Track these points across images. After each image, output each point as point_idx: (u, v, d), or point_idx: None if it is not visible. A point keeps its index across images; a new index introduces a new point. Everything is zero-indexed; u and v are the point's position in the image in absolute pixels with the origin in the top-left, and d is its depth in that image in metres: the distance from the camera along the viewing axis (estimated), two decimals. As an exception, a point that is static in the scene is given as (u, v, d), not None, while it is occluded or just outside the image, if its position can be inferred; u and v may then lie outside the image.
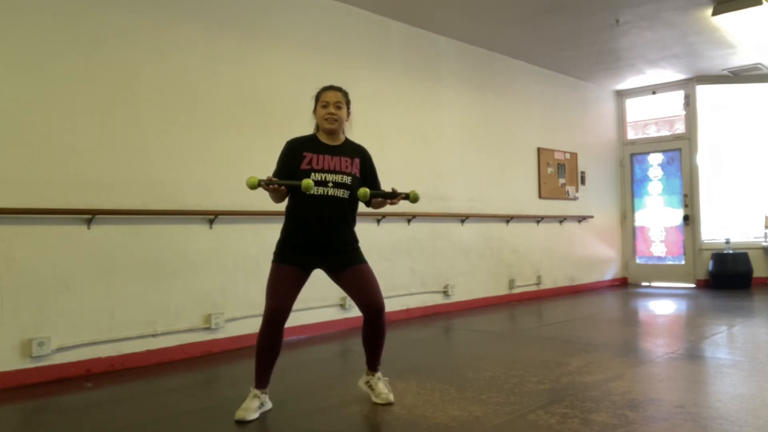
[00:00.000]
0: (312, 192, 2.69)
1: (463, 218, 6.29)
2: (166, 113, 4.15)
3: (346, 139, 2.98)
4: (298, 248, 2.80)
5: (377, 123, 5.54)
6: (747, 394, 2.95)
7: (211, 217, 4.33)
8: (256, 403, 2.75)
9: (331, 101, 2.85)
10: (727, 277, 7.70)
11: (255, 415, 2.72)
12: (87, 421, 2.79)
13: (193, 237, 4.25)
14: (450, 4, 5.44)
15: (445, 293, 6.09)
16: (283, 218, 4.77)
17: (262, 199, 4.61)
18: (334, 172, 2.81)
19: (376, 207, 2.98)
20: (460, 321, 5.53)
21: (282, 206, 4.68)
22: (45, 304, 3.56)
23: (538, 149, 7.43)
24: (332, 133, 2.89)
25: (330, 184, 2.78)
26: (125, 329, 3.87)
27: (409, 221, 5.74)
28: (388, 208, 5.61)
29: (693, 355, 3.89)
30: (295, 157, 2.84)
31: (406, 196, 2.81)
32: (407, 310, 5.69)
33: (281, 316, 2.74)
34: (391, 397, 2.88)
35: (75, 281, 3.68)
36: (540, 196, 7.41)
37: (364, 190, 2.74)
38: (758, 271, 7.91)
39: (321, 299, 4.90)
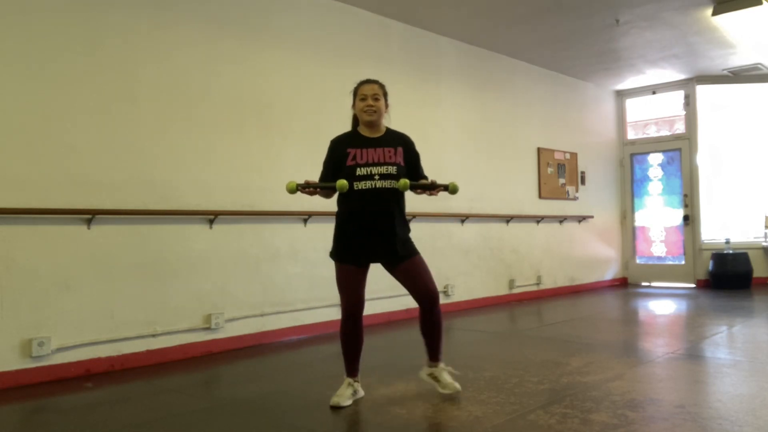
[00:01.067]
0: (355, 187, 2.78)
1: (463, 218, 6.29)
2: (166, 113, 4.15)
3: (387, 129, 3.01)
4: (352, 246, 2.87)
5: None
6: (747, 394, 2.95)
7: (211, 217, 4.33)
8: (350, 390, 2.90)
9: (369, 94, 2.89)
10: (727, 277, 7.70)
11: (349, 402, 2.86)
12: (87, 421, 2.79)
13: (193, 237, 4.25)
14: (450, 4, 5.44)
15: (445, 293, 6.08)
16: (281, 217, 4.79)
17: (263, 199, 4.63)
18: (379, 164, 2.84)
19: (417, 194, 3.02)
20: (460, 321, 5.53)
21: (278, 206, 4.71)
22: (45, 304, 3.56)
23: (538, 149, 7.43)
24: (372, 125, 2.92)
25: (377, 177, 2.82)
26: (125, 329, 3.87)
27: (409, 221, 5.73)
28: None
29: (693, 355, 3.89)
30: (340, 154, 2.89)
31: (446, 188, 2.83)
32: (407, 310, 5.68)
33: (357, 308, 2.89)
34: (458, 386, 2.96)
35: (75, 281, 3.68)
36: (540, 196, 7.41)
37: (404, 182, 2.77)
38: (758, 271, 7.91)
39: (321, 299, 4.90)
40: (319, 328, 4.91)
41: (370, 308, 5.15)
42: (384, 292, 5.38)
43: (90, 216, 3.74)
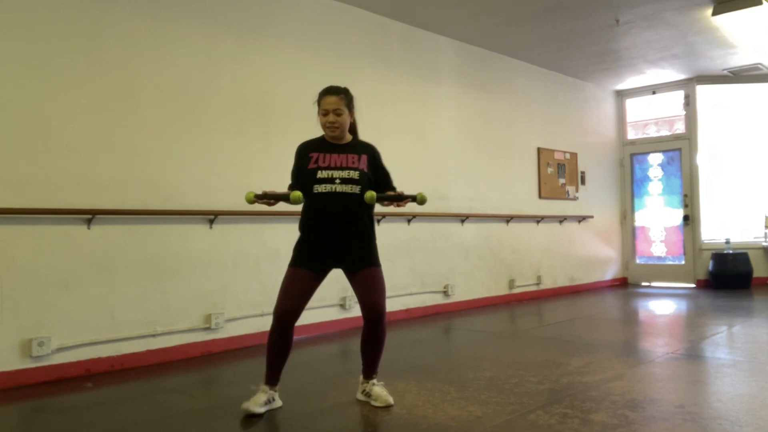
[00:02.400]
0: (315, 190, 2.74)
1: (463, 218, 6.29)
2: (166, 113, 4.16)
3: (354, 138, 2.99)
4: (313, 251, 2.83)
5: (377, 123, 5.53)
6: (747, 394, 2.95)
7: (211, 217, 4.33)
8: (263, 397, 2.79)
9: (330, 109, 2.83)
10: (727, 277, 7.70)
11: (260, 410, 2.76)
12: (87, 421, 2.79)
13: (193, 237, 4.25)
14: (450, 4, 5.44)
15: (445, 293, 6.09)
16: (281, 217, 4.79)
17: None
18: (341, 168, 2.81)
19: (385, 206, 2.96)
20: (460, 321, 5.53)
21: (279, 206, 4.71)
22: (45, 304, 3.56)
23: (538, 149, 7.43)
24: (335, 140, 2.90)
25: (337, 181, 2.79)
26: (125, 329, 3.87)
27: (409, 221, 5.74)
28: (387, 208, 5.61)
29: (693, 355, 3.89)
30: (303, 159, 2.87)
31: (414, 198, 2.77)
32: (407, 310, 5.69)
33: (290, 316, 2.79)
34: (391, 399, 2.87)
35: (75, 281, 3.68)
36: (540, 196, 7.41)
37: (370, 194, 2.73)
38: (758, 271, 7.91)
39: (321, 299, 4.90)
40: (319, 328, 4.91)
41: (370, 308, 5.18)
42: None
43: (90, 216, 3.74)
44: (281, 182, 4.72)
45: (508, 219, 6.85)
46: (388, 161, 5.98)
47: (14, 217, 3.47)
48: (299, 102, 4.91)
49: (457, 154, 6.33)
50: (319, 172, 2.79)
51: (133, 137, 3.99)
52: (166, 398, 3.20)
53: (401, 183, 5.94)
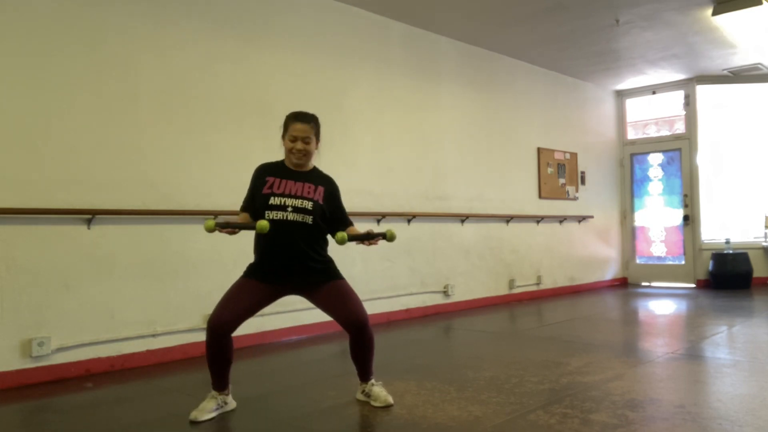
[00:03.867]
0: (267, 216, 2.70)
1: (463, 218, 6.29)
2: (166, 113, 4.15)
3: (314, 168, 2.94)
4: (267, 269, 2.80)
5: (377, 123, 5.53)
6: (747, 394, 2.95)
7: (211, 217, 4.32)
8: (212, 404, 2.76)
9: (300, 136, 2.79)
10: (727, 277, 7.70)
11: (209, 416, 2.72)
12: (87, 421, 2.79)
13: (193, 237, 4.25)
14: (450, 4, 5.44)
15: (445, 293, 6.09)
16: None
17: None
18: (295, 196, 2.77)
19: (357, 244, 2.86)
20: (460, 321, 5.53)
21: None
22: (45, 304, 3.56)
23: (538, 149, 7.43)
24: (299, 167, 2.87)
25: (289, 209, 2.75)
26: (125, 329, 3.87)
27: (409, 221, 5.74)
28: (387, 208, 5.61)
29: (693, 355, 3.89)
30: (259, 181, 2.83)
31: (384, 236, 2.72)
32: (407, 310, 5.69)
33: (223, 328, 2.70)
34: (390, 399, 2.87)
35: (75, 281, 3.68)
36: (540, 196, 7.41)
37: (341, 235, 2.68)
38: (758, 271, 7.91)
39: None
40: (319, 328, 4.91)
41: (369, 308, 5.16)
42: (384, 292, 5.39)
43: (90, 216, 3.74)
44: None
45: (508, 219, 6.85)
46: (389, 161, 6.01)
47: (14, 217, 3.47)
48: (299, 102, 4.91)
49: (457, 154, 6.33)
50: (272, 198, 2.76)
51: (133, 137, 3.99)
52: (166, 398, 3.20)
53: (401, 182, 5.95)
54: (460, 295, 6.25)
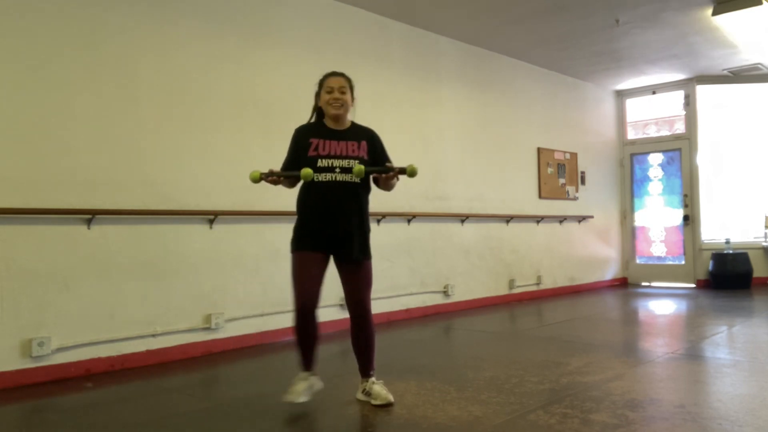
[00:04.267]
0: (315, 179, 2.71)
1: (463, 218, 6.29)
2: (165, 113, 4.15)
3: (353, 123, 2.97)
4: (314, 234, 2.79)
5: (377, 123, 5.48)
6: (747, 394, 2.95)
7: (211, 217, 4.32)
8: (303, 385, 2.83)
9: (336, 86, 2.84)
10: (727, 277, 7.70)
11: (304, 398, 2.80)
12: (87, 421, 2.79)
13: (193, 237, 4.25)
14: (450, 4, 5.44)
15: (445, 293, 6.08)
16: (281, 217, 4.79)
17: (262, 199, 4.63)
18: (341, 157, 2.79)
19: (385, 186, 2.89)
20: (460, 321, 5.53)
21: (278, 206, 4.72)
22: (45, 304, 3.56)
23: (538, 149, 7.43)
24: (338, 118, 2.87)
25: (337, 170, 2.77)
26: (125, 329, 3.86)
27: (409, 221, 5.74)
28: (387, 208, 5.60)
29: (693, 355, 3.89)
30: (302, 144, 2.84)
31: (403, 171, 2.69)
32: (407, 310, 5.69)
33: (311, 303, 2.78)
34: (391, 397, 2.86)
35: (75, 281, 3.68)
36: (540, 196, 7.41)
37: (358, 168, 2.67)
38: (758, 271, 7.91)
39: (321, 299, 4.89)
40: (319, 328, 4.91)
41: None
42: (384, 292, 5.38)
43: (90, 216, 3.74)
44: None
45: (508, 219, 6.85)
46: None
47: (14, 217, 3.47)
48: (299, 102, 4.90)
49: (457, 154, 6.33)
50: (320, 160, 2.77)
51: (133, 137, 3.99)
52: (166, 398, 3.20)
53: (401, 182, 5.93)
54: (460, 295, 6.25)
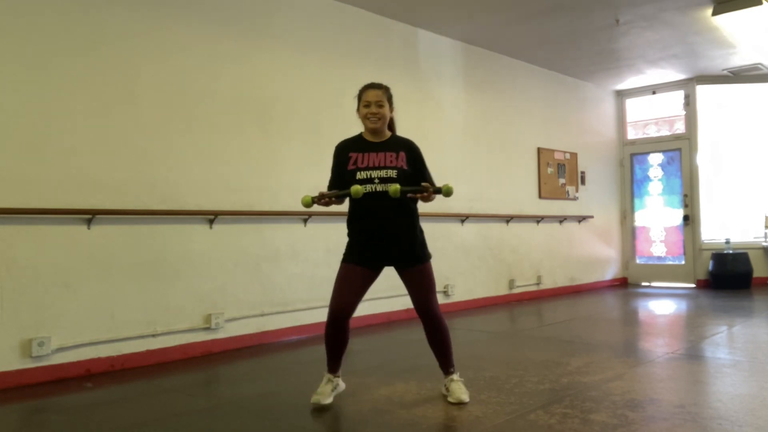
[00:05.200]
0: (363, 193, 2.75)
1: (463, 218, 6.29)
2: (166, 113, 4.15)
3: (392, 135, 2.99)
4: (362, 248, 2.87)
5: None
6: (747, 394, 2.95)
7: (211, 217, 4.32)
8: (329, 386, 2.90)
9: (372, 100, 2.86)
10: (727, 277, 7.70)
11: (330, 399, 2.86)
12: (87, 421, 2.79)
13: (193, 237, 4.25)
14: (450, 4, 5.44)
15: (445, 293, 6.08)
16: (281, 217, 4.80)
17: (263, 199, 4.63)
18: (379, 168, 2.82)
19: (424, 201, 2.90)
20: (460, 321, 5.53)
21: (279, 206, 4.72)
22: (45, 304, 3.56)
23: (538, 149, 7.43)
24: (376, 132, 2.90)
25: (376, 180, 2.80)
26: (125, 329, 3.86)
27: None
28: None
29: (693, 355, 3.89)
30: (342, 159, 2.89)
31: (438, 190, 2.73)
32: (407, 310, 5.68)
33: (343, 313, 2.84)
34: (465, 397, 2.87)
35: (75, 281, 3.68)
36: (540, 196, 7.41)
37: (394, 188, 2.69)
38: (758, 271, 7.91)
39: (321, 299, 4.89)
40: (319, 328, 4.89)
41: (370, 308, 5.18)
42: (384, 292, 5.37)
43: (90, 216, 3.74)
44: (282, 182, 4.74)
45: (508, 219, 6.85)
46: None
47: (14, 217, 3.47)
48: (299, 102, 4.92)
49: (457, 154, 6.33)
50: (359, 173, 2.81)
51: (133, 137, 3.99)
52: (166, 398, 3.20)
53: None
54: (460, 295, 6.25)
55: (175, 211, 4.11)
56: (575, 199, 7.96)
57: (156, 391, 3.34)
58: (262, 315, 4.58)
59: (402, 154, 2.89)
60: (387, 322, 5.38)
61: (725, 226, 8.19)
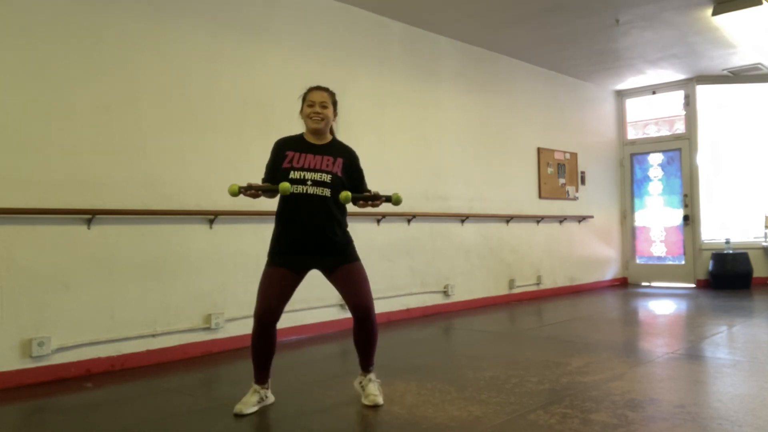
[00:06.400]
0: (290, 192, 2.74)
1: (463, 218, 6.29)
2: (166, 113, 4.16)
3: (334, 139, 2.98)
4: (287, 250, 2.83)
5: (377, 123, 5.54)
6: (747, 394, 2.95)
7: (211, 217, 4.33)
8: (255, 398, 2.83)
9: (317, 101, 2.85)
10: (727, 277, 7.70)
11: (253, 409, 2.79)
12: (87, 421, 2.79)
13: (193, 237, 4.25)
14: (450, 4, 5.44)
15: (445, 293, 6.09)
16: (282, 218, 4.78)
17: (262, 199, 4.62)
18: (314, 170, 2.82)
19: (362, 207, 2.93)
20: (460, 321, 5.53)
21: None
22: (45, 304, 3.56)
23: (538, 149, 7.43)
24: (318, 132, 2.89)
25: (309, 182, 2.79)
26: (125, 329, 3.87)
27: (409, 221, 5.74)
28: (388, 208, 5.59)
29: (693, 355, 3.89)
30: (279, 156, 2.87)
31: (388, 199, 2.77)
32: (407, 310, 5.69)
33: (270, 317, 2.79)
34: (379, 400, 2.86)
35: (75, 281, 3.68)
36: (540, 196, 7.41)
37: (345, 194, 2.74)
38: (758, 271, 7.91)
39: (321, 299, 4.90)
40: (319, 328, 4.92)
41: (370, 308, 5.18)
42: (384, 292, 5.38)
43: (90, 216, 3.74)
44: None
45: (508, 219, 6.85)
46: (388, 161, 6.00)
47: (14, 217, 3.47)
48: (299, 102, 4.91)
49: (457, 154, 6.33)
50: (292, 172, 2.80)
51: (133, 137, 3.99)
52: (166, 398, 3.20)
53: (401, 182, 5.94)
54: (460, 295, 6.25)
55: (175, 211, 4.12)
56: (575, 199, 7.96)
57: (156, 391, 3.34)
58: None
59: (339, 161, 2.88)
60: (387, 322, 5.38)
61: (725, 226, 8.19)
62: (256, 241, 4.59)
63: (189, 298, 4.19)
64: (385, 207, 5.46)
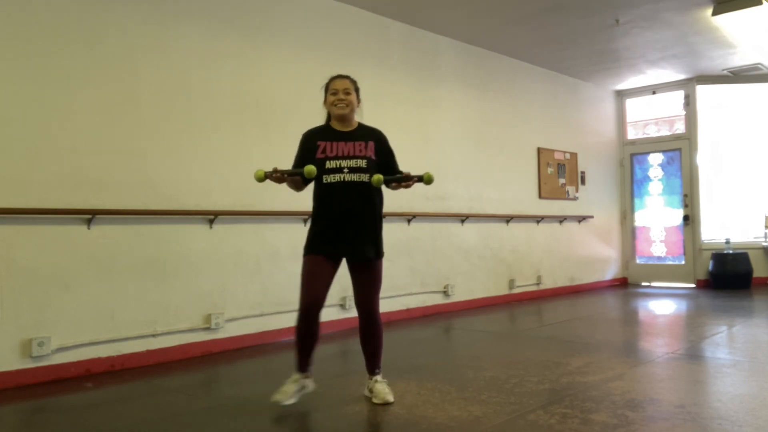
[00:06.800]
0: (325, 180, 2.76)
1: (463, 218, 6.29)
2: (166, 113, 4.15)
3: (360, 124, 3.00)
4: (324, 238, 2.83)
5: (377, 123, 5.49)
6: (747, 394, 2.95)
7: (211, 217, 4.33)
8: (294, 387, 2.86)
9: (340, 88, 2.88)
10: (727, 277, 7.70)
11: (292, 400, 2.82)
12: (87, 421, 2.79)
13: (193, 237, 4.25)
14: (450, 4, 5.44)
15: (445, 293, 6.08)
16: (281, 217, 4.79)
17: (263, 199, 4.63)
18: (348, 157, 2.83)
19: (393, 189, 2.95)
20: (460, 321, 5.53)
21: (278, 206, 4.72)
22: (45, 304, 3.56)
23: (538, 149, 7.43)
24: (343, 119, 2.91)
25: (345, 170, 2.80)
26: (125, 329, 3.86)
27: (409, 221, 5.74)
28: (387, 208, 5.61)
29: (693, 355, 3.89)
30: (310, 147, 2.88)
31: (420, 179, 2.78)
32: (407, 310, 5.69)
33: (315, 307, 2.81)
34: (390, 398, 2.87)
35: (75, 281, 3.68)
36: (540, 196, 7.41)
37: (377, 177, 2.74)
38: (758, 271, 7.91)
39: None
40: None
41: (370, 308, 5.17)
42: (384, 292, 5.37)
43: (90, 216, 3.74)
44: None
45: (508, 219, 6.85)
46: (388, 161, 5.91)
47: (14, 217, 3.47)
48: (299, 102, 4.92)
49: (457, 154, 6.33)
50: (328, 162, 2.81)
51: (133, 137, 3.99)
52: (166, 398, 3.20)
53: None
54: (460, 295, 6.25)
55: (175, 211, 4.11)
56: (575, 199, 7.96)
57: (156, 391, 3.34)
58: (262, 315, 4.58)
59: (371, 144, 2.91)
60: (387, 322, 5.37)
61: (725, 226, 8.19)
62: (256, 241, 4.59)
63: (189, 298, 4.19)
64: (385, 205, 5.48)
